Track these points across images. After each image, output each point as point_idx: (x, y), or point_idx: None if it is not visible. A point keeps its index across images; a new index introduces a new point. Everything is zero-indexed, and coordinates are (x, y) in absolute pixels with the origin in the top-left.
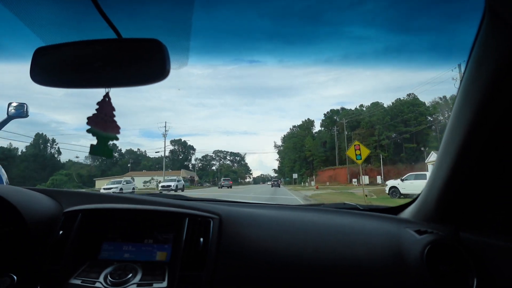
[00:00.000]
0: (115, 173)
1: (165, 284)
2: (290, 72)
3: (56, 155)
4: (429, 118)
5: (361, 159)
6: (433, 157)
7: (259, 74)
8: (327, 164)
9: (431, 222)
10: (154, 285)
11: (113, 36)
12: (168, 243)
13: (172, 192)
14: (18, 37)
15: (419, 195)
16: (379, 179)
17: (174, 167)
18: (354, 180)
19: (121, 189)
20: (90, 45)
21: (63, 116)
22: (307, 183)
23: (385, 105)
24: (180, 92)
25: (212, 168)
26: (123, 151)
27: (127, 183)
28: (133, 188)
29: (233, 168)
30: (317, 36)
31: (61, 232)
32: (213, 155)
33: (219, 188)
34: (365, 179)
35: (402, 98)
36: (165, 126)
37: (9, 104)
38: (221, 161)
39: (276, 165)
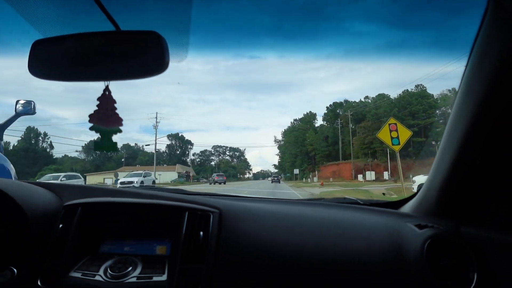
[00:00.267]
0: (109, 168)
1: (165, 277)
2: (291, 68)
3: (48, 149)
4: (437, 111)
5: (399, 144)
6: None
7: (259, 70)
8: (329, 159)
9: (432, 217)
10: (154, 278)
11: (111, 28)
12: (168, 237)
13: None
14: (17, 31)
15: (419, 189)
16: (386, 175)
17: (171, 162)
18: (360, 176)
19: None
20: (88, 38)
21: (63, 112)
22: (309, 179)
23: (392, 97)
24: (181, 88)
25: (211, 163)
26: (120, 145)
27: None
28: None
29: (232, 164)
30: (318, 31)
31: (61, 226)
32: (212, 150)
33: (210, 184)
34: (371, 175)
35: (410, 90)
36: (156, 117)
37: (17, 102)
38: (220, 157)
39: (276, 160)
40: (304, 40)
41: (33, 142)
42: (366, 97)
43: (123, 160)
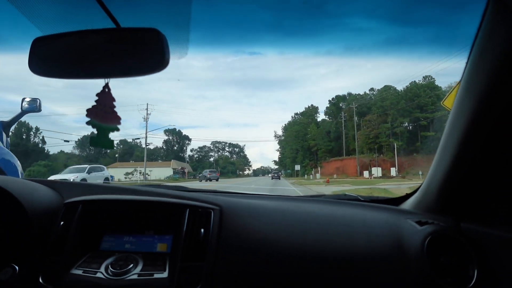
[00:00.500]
0: (104, 164)
1: (165, 274)
2: (291, 64)
3: (40, 145)
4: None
5: None
6: None
7: (259, 66)
8: (332, 155)
9: (432, 213)
10: (155, 275)
11: (111, 26)
12: (168, 234)
13: None
14: (17, 28)
15: (420, 185)
16: (393, 171)
17: (168, 158)
18: (366, 172)
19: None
20: (89, 35)
21: (63, 108)
22: (311, 176)
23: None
24: (181, 84)
25: (210, 159)
26: (117, 141)
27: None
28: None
29: (232, 160)
30: (318, 28)
31: (62, 223)
32: (211, 146)
33: (200, 181)
34: (378, 171)
35: (418, 81)
36: (147, 109)
37: (23, 99)
38: (219, 152)
39: (277, 156)
40: (304, 37)
41: (24, 137)
42: (371, 89)
43: (116, 155)
